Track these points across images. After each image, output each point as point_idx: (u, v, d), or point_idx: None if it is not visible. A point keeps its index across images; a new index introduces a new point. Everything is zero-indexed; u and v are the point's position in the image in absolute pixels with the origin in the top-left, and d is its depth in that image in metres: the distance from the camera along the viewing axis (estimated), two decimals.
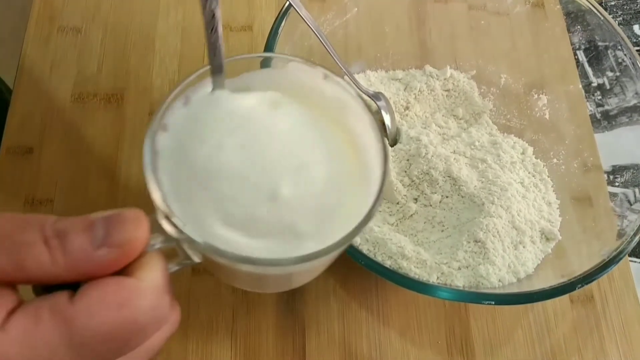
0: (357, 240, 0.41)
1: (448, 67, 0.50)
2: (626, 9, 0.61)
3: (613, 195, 0.44)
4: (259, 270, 0.24)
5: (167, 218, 0.22)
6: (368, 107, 0.26)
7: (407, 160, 0.45)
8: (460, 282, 0.40)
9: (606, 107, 0.48)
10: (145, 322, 0.21)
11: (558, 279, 0.37)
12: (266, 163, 0.24)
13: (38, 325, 0.19)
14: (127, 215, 0.21)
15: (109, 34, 0.51)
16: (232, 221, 0.23)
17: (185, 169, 0.24)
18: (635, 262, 0.48)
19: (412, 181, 0.44)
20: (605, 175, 0.45)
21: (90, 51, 0.50)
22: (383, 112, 0.45)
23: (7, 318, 0.20)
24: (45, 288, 0.21)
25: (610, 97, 0.47)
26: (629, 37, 0.53)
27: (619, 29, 0.45)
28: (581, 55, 0.49)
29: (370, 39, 0.50)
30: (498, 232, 0.41)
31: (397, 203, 0.44)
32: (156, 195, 0.22)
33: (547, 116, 0.49)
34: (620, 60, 0.46)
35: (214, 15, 0.22)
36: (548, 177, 0.47)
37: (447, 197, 0.44)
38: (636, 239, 0.38)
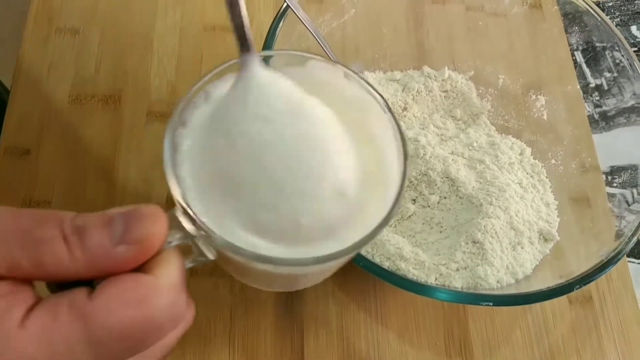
0: None
1: (446, 68, 0.50)
2: (624, 9, 0.62)
3: (611, 195, 0.44)
4: (276, 270, 0.24)
5: (187, 214, 0.22)
6: (387, 106, 0.26)
7: None
8: (458, 283, 0.40)
9: (604, 108, 0.48)
10: (163, 320, 0.21)
11: (556, 280, 0.37)
12: (297, 173, 0.23)
13: (56, 322, 0.19)
14: (145, 211, 0.21)
15: (106, 35, 0.51)
16: (256, 228, 0.23)
17: (208, 168, 0.23)
18: (633, 262, 0.48)
19: (410, 182, 0.44)
20: (603, 176, 0.45)
21: (88, 52, 0.50)
22: None
23: (27, 315, 0.19)
24: (59, 285, 0.21)
25: (608, 98, 0.47)
26: (626, 38, 0.53)
27: (616, 30, 0.45)
28: (579, 56, 0.49)
29: (368, 40, 0.50)
30: (496, 233, 0.41)
31: None
32: (176, 192, 0.22)
33: (545, 117, 0.49)
34: (617, 61, 0.46)
35: None
36: (546, 177, 0.47)
37: (445, 198, 0.44)
38: (634, 239, 0.38)
